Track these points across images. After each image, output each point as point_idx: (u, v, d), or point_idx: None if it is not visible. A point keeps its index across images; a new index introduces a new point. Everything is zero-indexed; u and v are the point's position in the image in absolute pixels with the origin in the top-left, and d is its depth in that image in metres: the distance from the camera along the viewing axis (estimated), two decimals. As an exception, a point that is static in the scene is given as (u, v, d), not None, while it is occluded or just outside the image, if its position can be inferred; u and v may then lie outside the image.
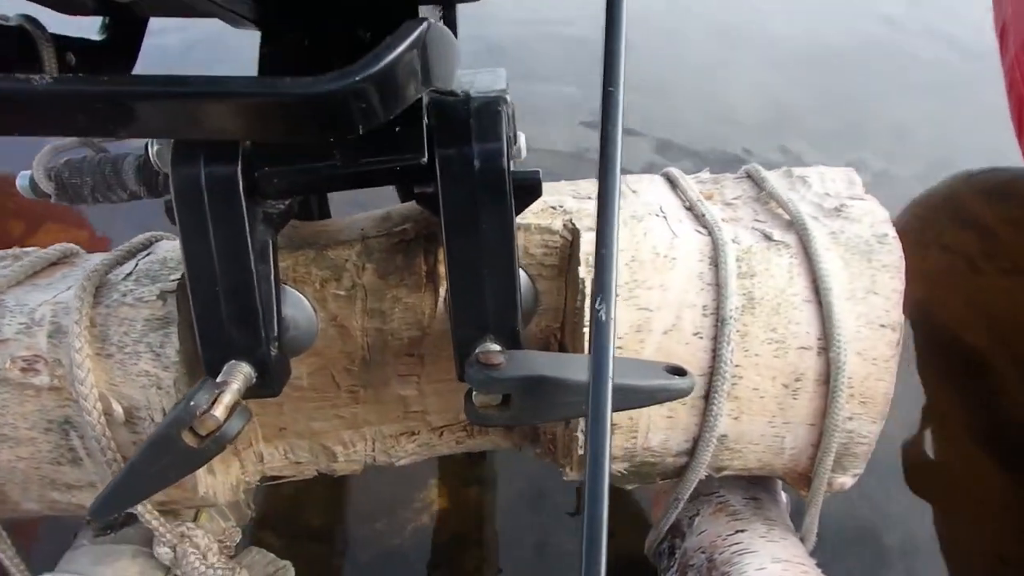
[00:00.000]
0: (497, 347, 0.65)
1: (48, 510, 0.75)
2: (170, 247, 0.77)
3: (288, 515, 1.28)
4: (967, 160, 2.07)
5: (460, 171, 0.61)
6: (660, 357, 0.69)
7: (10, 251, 0.79)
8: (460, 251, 0.64)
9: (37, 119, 0.48)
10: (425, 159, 0.62)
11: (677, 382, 0.61)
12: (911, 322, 1.69)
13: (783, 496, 0.86)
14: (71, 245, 0.82)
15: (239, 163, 0.60)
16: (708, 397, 0.70)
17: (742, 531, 0.79)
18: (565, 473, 0.77)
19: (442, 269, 0.73)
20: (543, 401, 0.60)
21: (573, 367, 0.60)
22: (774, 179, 0.80)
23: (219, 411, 0.59)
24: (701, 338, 0.69)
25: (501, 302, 0.65)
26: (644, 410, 0.71)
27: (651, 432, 0.72)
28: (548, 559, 1.21)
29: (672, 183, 0.81)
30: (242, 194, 0.61)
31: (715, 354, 0.69)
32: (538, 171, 0.65)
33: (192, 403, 0.58)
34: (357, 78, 0.46)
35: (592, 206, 0.75)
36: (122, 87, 0.47)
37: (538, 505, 1.27)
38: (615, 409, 0.68)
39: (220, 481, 0.78)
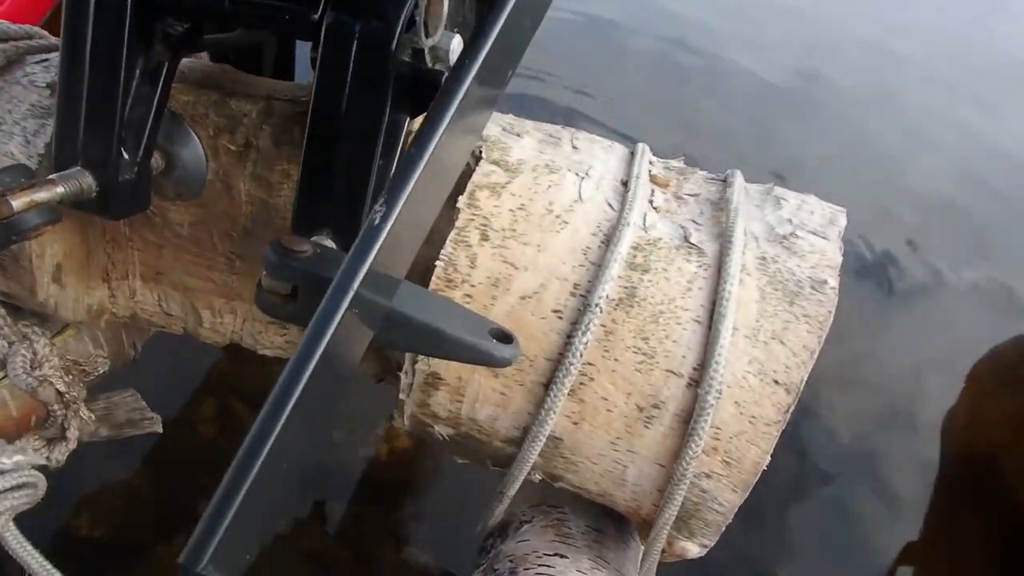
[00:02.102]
0: (330, 243, 0.59)
1: None
2: None
3: (264, 390, 1.27)
4: None
5: (341, 40, 0.56)
6: (509, 323, 0.60)
7: None
8: (320, 129, 0.58)
9: None
10: (317, 18, 0.57)
11: (494, 347, 0.52)
12: (968, 458, 1.50)
13: (638, 544, 0.75)
14: (36, 29, 0.81)
15: None
16: (548, 386, 0.60)
17: (562, 556, 0.68)
18: (394, 420, 0.70)
19: None
20: None
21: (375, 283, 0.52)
22: (746, 190, 0.68)
23: (18, 200, 0.56)
24: (560, 318, 0.60)
25: (349, 198, 0.59)
26: (475, 377, 0.62)
27: (479, 403, 0.63)
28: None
29: (632, 156, 0.71)
30: (128, 3, 0.57)
31: (568, 340, 0.59)
32: (443, 72, 0.57)
33: None
34: None
35: (514, 143, 0.66)
36: None
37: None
38: (415, 350, 0.60)
39: (71, 296, 0.75)
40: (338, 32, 0.55)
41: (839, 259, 0.61)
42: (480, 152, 0.64)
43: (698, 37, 2.49)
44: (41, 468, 0.78)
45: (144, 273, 0.78)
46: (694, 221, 0.64)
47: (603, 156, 0.69)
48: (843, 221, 0.66)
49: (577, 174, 0.64)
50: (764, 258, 0.61)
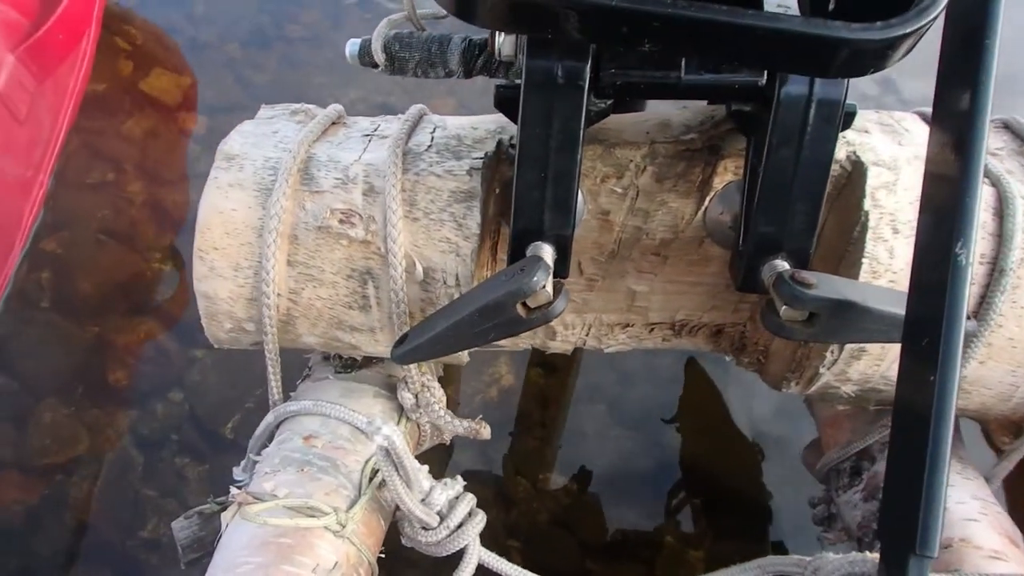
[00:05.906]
0: (786, 265, 0.68)
1: (323, 345, 0.81)
2: (455, 123, 0.80)
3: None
4: None
5: (798, 98, 0.63)
6: (927, 296, 0.71)
7: (297, 106, 0.82)
8: (777, 172, 0.66)
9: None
10: (763, 81, 0.64)
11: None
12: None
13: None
14: (338, 107, 0.85)
15: (589, 60, 0.63)
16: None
17: (939, 463, 0.83)
18: (787, 387, 0.81)
19: (716, 180, 0.75)
20: (847, 324, 0.63)
21: (878, 297, 0.63)
22: None
23: (548, 288, 0.63)
24: (972, 284, 0.71)
25: (802, 224, 0.67)
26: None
27: (896, 363, 0.75)
28: (607, 452, 1.29)
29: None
30: (587, 89, 0.63)
31: (984, 301, 0.71)
32: (855, 104, 0.66)
33: (535, 279, 0.62)
34: (909, 29, 0.50)
35: (872, 140, 0.75)
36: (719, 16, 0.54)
37: (595, 398, 1.34)
38: (880, 340, 0.71)
39: None
40: (796, 93, 0.62)
41: None
42: (856, 156, 0.73)
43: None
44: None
45: None
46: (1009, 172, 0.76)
47: (918, 130, 0.79)
48: None
49: None
50: None
